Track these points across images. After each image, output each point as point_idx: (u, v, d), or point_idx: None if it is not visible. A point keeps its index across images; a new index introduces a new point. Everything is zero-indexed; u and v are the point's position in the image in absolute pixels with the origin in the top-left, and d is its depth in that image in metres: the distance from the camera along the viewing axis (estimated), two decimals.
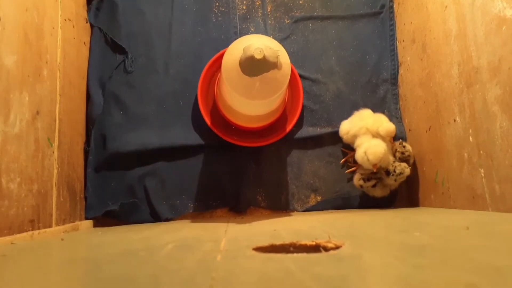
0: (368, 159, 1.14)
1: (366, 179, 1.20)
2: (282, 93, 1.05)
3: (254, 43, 0.94)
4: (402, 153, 1.18)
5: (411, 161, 1.20)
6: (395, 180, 1.17)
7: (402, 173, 1.16)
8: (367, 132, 1.20)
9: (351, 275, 0.40)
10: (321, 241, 0.56)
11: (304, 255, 0.50)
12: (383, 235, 0.67)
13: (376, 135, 1.21)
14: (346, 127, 1.25)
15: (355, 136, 1.22)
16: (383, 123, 1.21)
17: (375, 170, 1.16)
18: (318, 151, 1.30)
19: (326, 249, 0.53)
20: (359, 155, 1.18)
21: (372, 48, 1.35)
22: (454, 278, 0.37)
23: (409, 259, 0.46)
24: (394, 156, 1.19)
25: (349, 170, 1.28)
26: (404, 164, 1.17)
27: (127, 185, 1.22)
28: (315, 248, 0.55)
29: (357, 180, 1.23)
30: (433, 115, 1.10)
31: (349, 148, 1.27)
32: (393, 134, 1.20)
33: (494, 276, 0.37)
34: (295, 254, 0.50)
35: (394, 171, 1.16)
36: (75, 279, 0.47)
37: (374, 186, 1.20)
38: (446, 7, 1.02)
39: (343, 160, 1.29)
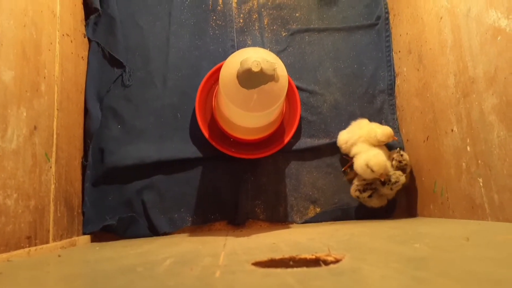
0: (372, 171, 1.14)
1: (362, 190, 1.20)
2: (280, 105, 1.05)
3: (251, 56, 0.95)
4: (400, 161, 1.18)
5: (408, 170, 1.20)
6: (391, 189, 1.16)
7: (398, 182, 1.15)
8: (365, 141, 1.21)
9: None
10: (321, 255, 0.56)
11: (304, 269, 0.49)
12: (383, 247, 0.66)
13: (375, 143, 1.20)
14: (345, 137, 1.25)
15: (353, 145, 1.22)
16: (377, 130, 1.21)
17: (382, 179, 1.16)
18: (316, 162, 1.30)
19: (326, 262, 0.53)
20: (358, 165, 1.17)
21: (368, 59, 1.36)
22: None
23: (408, 271, 0.46)
24: (391, 164, 1.19)
25: (349, 177, 1.27)
26: (398, 172, 1.16)
27: (125, 199, 1.21)
28: (315, 262, 0.54)
29: (353, 191, 1.22)
30: (430, 125, 1.11)
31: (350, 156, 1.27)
32: (392, 135, 1.20)
33: None
34: (294, 269, 0.49)
35: (390, 180, 1.15)
36: None
37: (370, 196, 1.19)
38: (441, 18, 1.03)
39: (345, 167, 1.28)
